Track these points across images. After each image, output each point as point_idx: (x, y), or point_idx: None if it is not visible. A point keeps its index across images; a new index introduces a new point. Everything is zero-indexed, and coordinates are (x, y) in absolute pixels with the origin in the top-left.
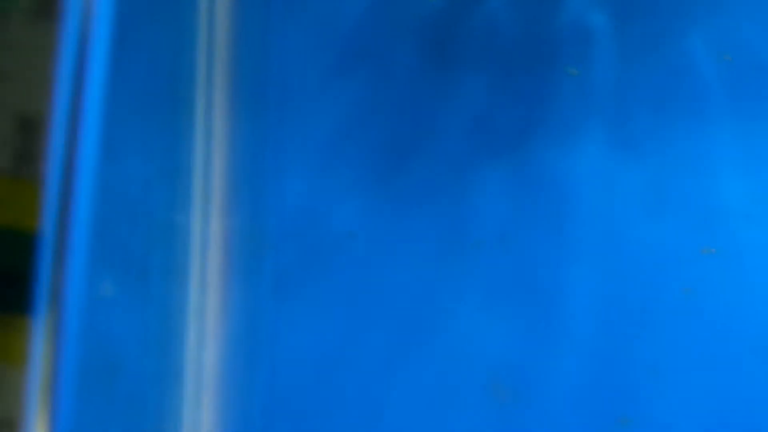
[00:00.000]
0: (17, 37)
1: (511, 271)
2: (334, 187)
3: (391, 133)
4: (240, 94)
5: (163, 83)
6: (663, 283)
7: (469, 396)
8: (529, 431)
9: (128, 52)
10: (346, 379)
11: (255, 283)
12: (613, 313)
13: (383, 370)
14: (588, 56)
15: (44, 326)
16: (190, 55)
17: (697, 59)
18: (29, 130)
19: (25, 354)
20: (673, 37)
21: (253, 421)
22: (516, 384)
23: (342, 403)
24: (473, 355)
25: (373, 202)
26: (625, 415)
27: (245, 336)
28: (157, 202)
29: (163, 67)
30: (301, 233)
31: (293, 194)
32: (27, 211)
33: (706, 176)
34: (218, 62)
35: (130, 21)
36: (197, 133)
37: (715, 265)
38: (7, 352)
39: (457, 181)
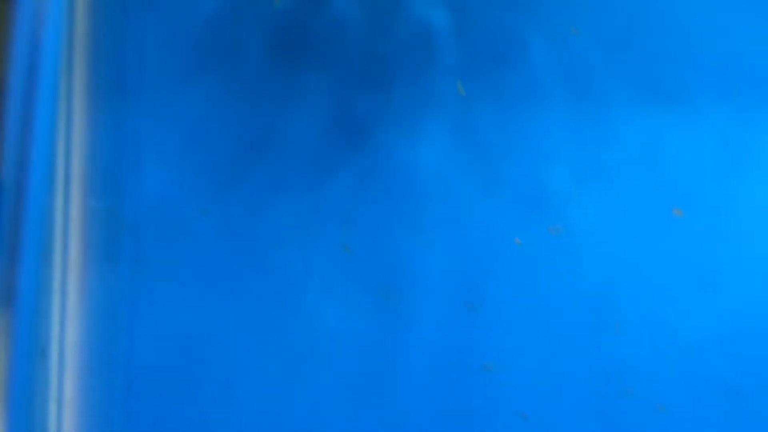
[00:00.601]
0: None
1: (359, 250)
2: (190, 173)
3: (245, 126)
4: (99, 84)
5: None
6: (502, 260)
7: (316, 378)
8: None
9: None
10: (205, 353)
11: (114, 263)
12: (458, 286)
13: (240, 343)
14: (430, 51)
15: None
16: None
17: (533, 51)
18: None
19: None
20: (511, 30)
21: (114, 394)
22: (371, 365)
23: (200, 377)
24: (321, 330)
25: (227, 186)
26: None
27: (105, 314)
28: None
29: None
30: (158, 215)
31: (151, 179)
32: None
33: (540, 160)
34: (78, 54)
35: None
36: (59, 120)
37: (548, 242)
38: None
39: (308, 168)
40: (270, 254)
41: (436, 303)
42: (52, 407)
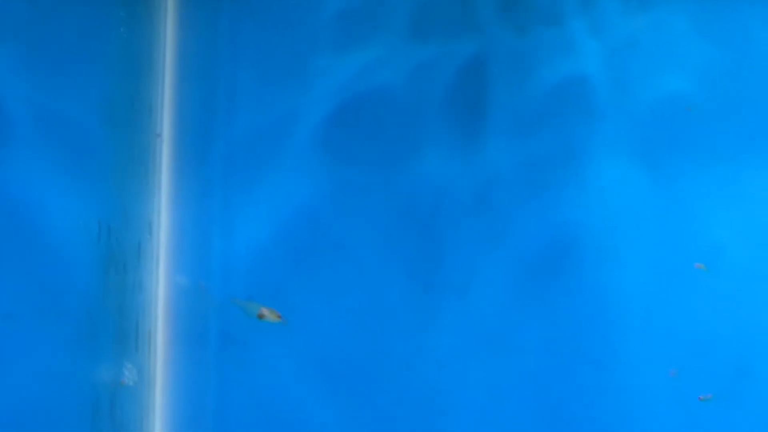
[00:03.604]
0: None
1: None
2: (276, 249)
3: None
4: (187, 153)
5: None
6: None
7: None
8: None
9: None
10: None
11: (203, 342)
12: None
13: (335, 425)
14: None
15: None
16: None
17: None
18: None
19: None
20: None
21: None
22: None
23: None
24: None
25: (314, 266)
26: None
27: (193, 396)
28: None
29: None
30: (246, 290)
31: (239, 254)
32: None
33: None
34: (165, 121)
35: None
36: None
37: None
38: None
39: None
40: (360, 331)
41: None
42: None
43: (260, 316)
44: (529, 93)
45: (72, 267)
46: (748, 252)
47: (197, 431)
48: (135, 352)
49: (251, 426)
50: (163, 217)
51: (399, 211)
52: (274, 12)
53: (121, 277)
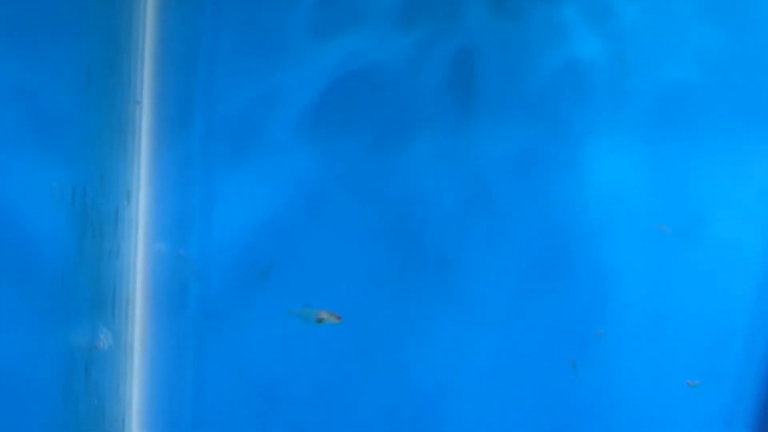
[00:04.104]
0: None
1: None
2: (261, 218)
3: (317, 171)
4: (167, 120)
5: None
6: None
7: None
8: None
9: None
10: (276, 406)
11: (181, 311)
12: None
13: (314, 394)
14: None
15: None
16: None
17: None
18: None
19: None
20: None
21: None
22: (457, 412)
23: (272, 430)
24: (396, 374)
25: (299, 232)
26: None
27: (171, 364)
28: None
29: None
30: (228, 260)
31: (221, 223)
32: None
33: None
34: (146, 87)
35: None
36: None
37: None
38: None
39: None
40: (341, 299)
41: None
42: None
43: (319, 320)
44: (522, 80)
45: (45, 229)
46: None
47: (175, 398)
48: (112, 318)
49: (230, 394)
50: (142, 184)
51: (388, 199)
52: None
53: (97, 242)
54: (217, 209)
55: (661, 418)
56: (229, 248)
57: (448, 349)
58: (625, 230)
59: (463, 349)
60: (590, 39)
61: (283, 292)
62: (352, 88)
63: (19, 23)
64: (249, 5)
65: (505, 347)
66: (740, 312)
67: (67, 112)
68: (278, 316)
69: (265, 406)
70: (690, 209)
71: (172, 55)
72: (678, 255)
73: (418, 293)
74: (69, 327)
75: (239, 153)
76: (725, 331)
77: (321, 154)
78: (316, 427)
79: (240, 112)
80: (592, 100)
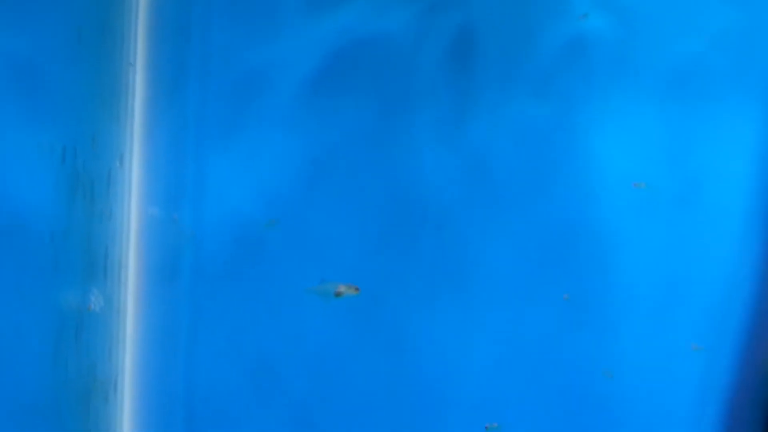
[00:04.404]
0: None
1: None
2: (257, 182)
3: (313, 134)
4: (161, 83)
5: None
6: None
7: (396, 399)
8: None
9: None
10: (271, 374)
11: (175, 276)
12: None
13: (311, 363)
14: None
15: None
16: None
17: None
18: None
19: None
20: None
21: (173, 420)
22: (460, 386)
23: (267, 400)
24: (403, 344)
25: (296, 197)
26: None
27: (164, 331)
28: None
29: None
30: (222, 225)
31: (215, 187)
32: None
33: None
34: (139, 50)
35: None
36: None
37: None
38: None
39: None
40: (343, 265)
41: None
42: None
43: (338, 294)
44: (524, 58)
45: (33, 188)
46: None
47: (167, 362)
48: (103, 281)
49: (222, 357)
50: (135, 147)
51: (387, 170)
52: None
53: (88, 203)
54: (212, 174)
55: (662, 383)
56: (222, 213)
57: (451, 324)
58: (624, 198)
59: (465, 324)
60: (593, 12)
61: (277, 257)
62: (351, 59)
63: None
64: None
65: (508, 319)
66: (737, 276)
67: (56, 71)
68: (271, 282)
69: (257, 370)
70: (690, 176)
71: (166, 18)
72: (676, 220)
73: (417, 264)
74: (58, 288)
75: (234, 118)
76: (723, 294)
77: (318, 122)
78: (310, 391)
79: (236, 76)
80: (594, 75)
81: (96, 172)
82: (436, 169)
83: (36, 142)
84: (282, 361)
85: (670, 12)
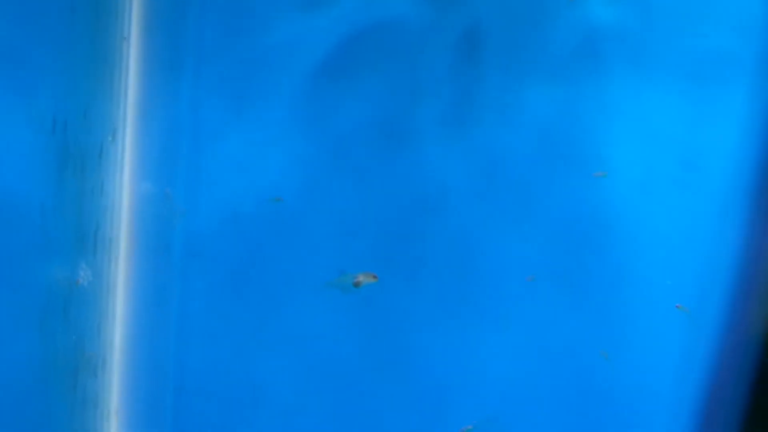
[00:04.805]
0: None
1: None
2: (251, 158)
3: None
4: (156, 56)
5: None
6: None
7: (393, 390)
8: None
9: None
10: (263, 356)
11: (166, 252)
12: None
13: (306, 345)
14: None
15: None
16: None
17: None
18: None
19: None
20: None
21: (162, 400)
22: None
23: (260, 383)
24: (399, 335)
25: (292, 174)
26: None
27: (153, 308)
28: None
29: None
30: (215, 202)
31: (208, 163)
32: None
33: None
34: (134, 24)
35: None
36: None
37: None
38: None
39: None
40: (341, 249)
41: None
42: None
43: (356, 284)
44: (533, 48)
45: (22, 159)
46: None
47: (158, 337)
48: (93, 255)
49: (214, 334)
50: (129, 121)
51: (391, 157)
52: None
53: (79, 177)
54: (206, 151)
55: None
56: (216, 189)
57: (450, 305)
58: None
59: (471, 321)
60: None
61: (270, 236)
62: (361, 44)
63: None
64: None
65: (513, 310)
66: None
67: (47, 43)
68: (263, 260)
69: (248, 346)
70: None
71: None
72: (676, 203)
73: (421, 253)
74: (46, 262)
75: (232, 95)
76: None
77: (321, 103)
78: (301, 368)
79: (233, 53)
80: (606, 63)
81: (87, 146)
82: (442, 164)
83: (25, 113)
84: (273, 338)
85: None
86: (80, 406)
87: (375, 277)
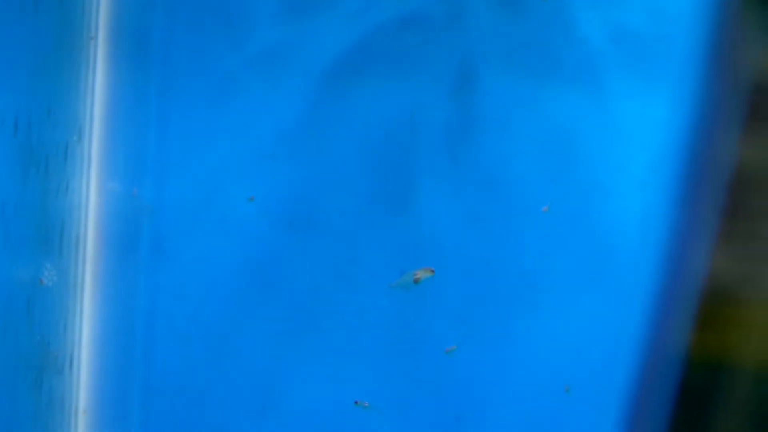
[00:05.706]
0: None
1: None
2: (218, 156)
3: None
4: (123, 54)
5: None
6: None
7: (354, 379)
8: None
9: None
10: (229, 352)
11: (133, 251)
12: None
13: (271, 342)
14: None
15: None
16: None
17: None
18: None
19: None
20: None
21: (130, 396)
22: (415, 360)
23: (226, 379)
24: (359, 326)
25: (261, 172)
26: None
27: (122, 307)
28: None
29: None
30: (183, 200)
31: (175, 162)
32: None
33: None
34: (101, 21)
35: None
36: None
37: None
38: None
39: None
40: (306, 244)
41: None
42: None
43: (416, 281)
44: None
45: None
46: None
47: (125, 338)
48: (59, 255)
49: (182, 334)
50: (96, 121)
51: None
52: None
53: (42, 177)
54: (173, 149)
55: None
56: (183, 188)
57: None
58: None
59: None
60: None
61: (238, 232)
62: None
63: None
64: None
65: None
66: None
67: (7, 38)
68: (232, 258)
69: (216, 345)
70: None
71: None
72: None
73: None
74: (8, 261)
75: (197, 92)
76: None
77: (286, 95)
78: (269, 367)
79: (201, 52)
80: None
81: (52, 146)
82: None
83: None
84: (241, 337)
85: None
86: (46, 405)
87: (432, 271)
